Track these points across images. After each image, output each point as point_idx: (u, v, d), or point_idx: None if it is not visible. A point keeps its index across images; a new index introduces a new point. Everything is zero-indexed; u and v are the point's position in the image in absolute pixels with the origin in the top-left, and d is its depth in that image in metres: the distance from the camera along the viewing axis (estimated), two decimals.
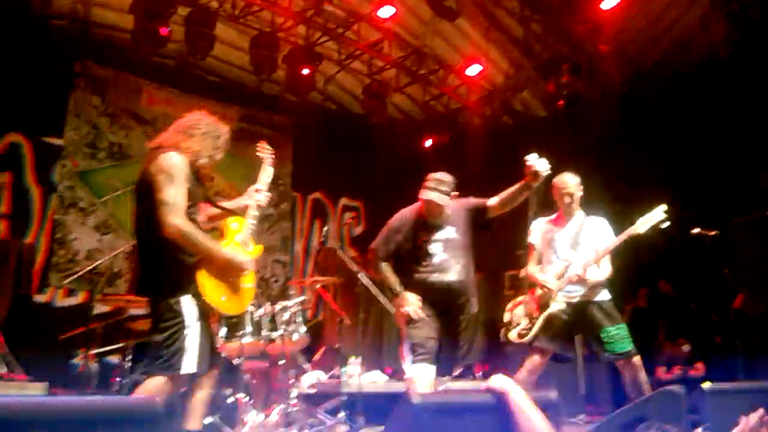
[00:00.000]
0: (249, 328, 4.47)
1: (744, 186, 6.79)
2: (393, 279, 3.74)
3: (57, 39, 7.73)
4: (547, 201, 3.60)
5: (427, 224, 3.74)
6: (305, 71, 8.04)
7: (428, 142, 9.63)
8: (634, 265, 4.02)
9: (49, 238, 7.39)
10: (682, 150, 7.62)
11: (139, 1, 7.05)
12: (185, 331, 2.73)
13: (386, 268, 3.78)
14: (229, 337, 4.48)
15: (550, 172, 3.41)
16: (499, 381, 2.28)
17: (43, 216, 7.43)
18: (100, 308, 6.20)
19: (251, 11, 7.85)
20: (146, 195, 2.81)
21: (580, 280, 3.93)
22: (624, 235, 3.90)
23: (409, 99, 9.80)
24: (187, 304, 2.78)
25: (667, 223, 3.85)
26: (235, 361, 4.38)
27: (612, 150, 8.04)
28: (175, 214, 2.72)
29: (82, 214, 7.68)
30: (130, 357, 4.49)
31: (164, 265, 2.81)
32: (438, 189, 3.63)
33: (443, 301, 3.69)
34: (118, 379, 4.58)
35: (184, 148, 2.91)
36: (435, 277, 3.67)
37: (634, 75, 8.41)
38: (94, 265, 4.83)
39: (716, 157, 7.26)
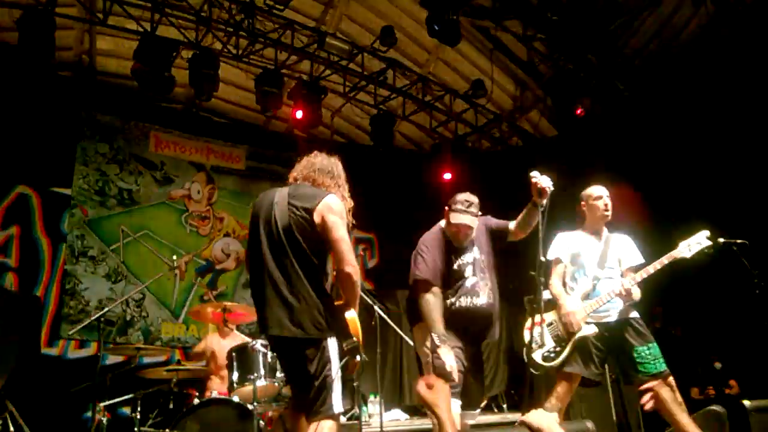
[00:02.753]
0: (262, 371, 4.29)
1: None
2: (439, 323, 3.45)
3: (63, 90, 7.80)
4: (552, 221, 3.45)
5: (454, 247, 3.63)
6: (299, 113, 7.98)
7: (447, 176, 9.35)
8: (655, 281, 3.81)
9: (59, 288, 7.31)
10: (698, 162, 7.43)
11: (143, 47, 7.08)
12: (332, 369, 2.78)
13: (436, 303, 3.51)
14: (242, 380, 4.30)
15: (553, 188, 3.33)
16: (537, 417, 2.11)
17: (52, 267, 7.37)
18: (113, 359, 6.09)
19: (254, 50, 7.87)
20: (308, 232, 2.87)
21: (627, 295, 3.71)
22: (667, 258, 3.76)
23: (417, 127, 9.74)
24: (333, 346, 2.83)
25: (712, 248, 3.71)
26: (249, 407, 4.19)
27: (627, 166, 7.85)
28: (353, 254, 2.89)
29: (93, 262, 7.61)
30: (139, 408, 4.32)
31: (323, 305, 2.85)
32: (468, 211, 3.57)
33: (474, 328, 3.56)
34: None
35: (339, 196, 3.07)
36: (466, 302, 3.55)
37: (642, 86, 8.28)
38: (101, 312, 4.69)
39: (730, 167, 7.08)
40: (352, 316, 2.98)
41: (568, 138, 8.92)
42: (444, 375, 3.34)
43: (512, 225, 3.63)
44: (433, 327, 3.44)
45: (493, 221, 3.73)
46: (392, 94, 8.80)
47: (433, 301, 3.49)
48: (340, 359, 2.83)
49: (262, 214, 3.01)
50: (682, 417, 3.54)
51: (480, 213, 3.64)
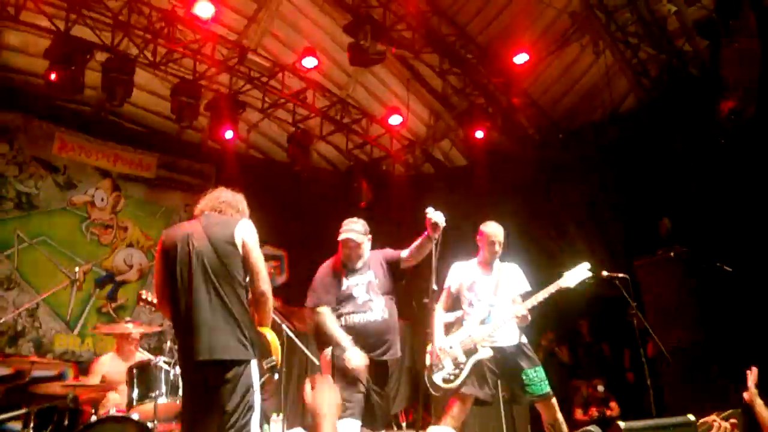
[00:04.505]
0: (164, 388, 4.24)
1: (647, 229, 7.24)
2: (341, 333, 3.74)
3: None
4: (444, 251, 3.77)
5: (348, 269, 3.92)
6: (229, 134, 8.03)
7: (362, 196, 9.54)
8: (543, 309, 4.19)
9: None
10: (594, 196, 8.09)
11: (55, 47, 6.83)
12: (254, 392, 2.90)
13: (333, 321, 3.79)
14: (142, 398, 4.23)
15: (444, 224, 3.63)
16: (437, 431, 2.29)
17: None
18: (0, 371, 5.77)
19: (172, 58, 7.77)
20: (231, 256, 3.01)
21: (522, 320, 4.06)
22: (553, 287, 4.10)
23: (334, 147, 9.90)
24: (255, 369, 2.94)
25: (591, 278, 4.11)
26: (149, 425, 4.13)
27: (530, 196, 8.41)
28: (266, 275, 3.08)
29: None
30: (32, 424, 4.15)
31: (247, 325, 2.97)
32: (351, 229, 3.90)
33: (369, 342, 3.75)
34: None
35: None
36: (359, 317, 3.80)
37: (545, 126, 8.91)
38: None
39: (622, 201, 7.76)
40: (272, 335, 3.14)
41: (475, 167, 9.41)
42: (344, 369, 3.58)
43: (404, 253, 3.93)
44: (337, 337, 3.71)
45: (389, 252, 4.04)
46: (311, 114, 8.94)
47: (327, 318, 3.80)
48: (260, 378, 2.94)
49: (178, 246, 3.06)
50: None
51: (368, 235, 3.96)
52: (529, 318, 4.10)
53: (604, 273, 4.89)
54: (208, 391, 2.88)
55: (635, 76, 8.07)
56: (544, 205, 8.44)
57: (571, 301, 4.27)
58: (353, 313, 3.80)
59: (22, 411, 4.29)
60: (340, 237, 3.90)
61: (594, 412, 6.64)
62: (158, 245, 3.23)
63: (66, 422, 4.24)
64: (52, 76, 6.70)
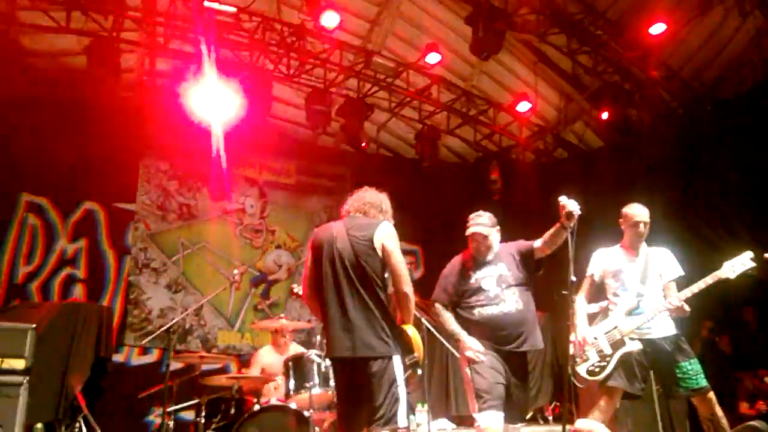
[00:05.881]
0: (317, 380, 4.51)
1: None
2: (454, 325, 3.81)
3: (126, 109, 8.26)
4: (585, 239, 3.62)
5: (477, 262, 3.89)
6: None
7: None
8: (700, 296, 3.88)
9: (123, 298, 7.77)
10: (751, 170, 7.34)
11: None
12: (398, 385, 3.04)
13: (446, 314, 3.87)
14: (298, 388, 4.55)
15: (580, 212, 3.51)
16: (585, 424, 2.26)
17: (118, 278, 7.83)
18: (173, 365, 6.43)
19: (304, 70, 8.19)
20: (371, 258, 3.15)
21: (677, 311, 3.84)
22: (711, 278, 3.83)
23: (461, 140, 9.89)
24: (398, 362, 3.08)
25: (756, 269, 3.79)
26: (306, 413, 4.43)
27: (670, 177, 7.82)
28: (408, 277, 3.19)
29: (155, 273, 8.06)
30: (203, 413, 4.61)
31: (388, 324, 3.12)
32: (477, 223, 3.86)
33: (505, 335, 3.71)
34: None
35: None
36: (491, 310, 3.75)
37: (690, 98, 8.24)
38: (170, 323, 5.03)
39: None
40: (413, 332, 3.25)
41: (614, 149, 8.92)
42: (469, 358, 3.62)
43: (537, 243, 3.83)
44: (453, 331, 3.79)
45: (521, 243, 3.96)
46: (437, 109, 9.00)
47: (441, 314, 3.87)
48: (404, 374, 3.08)
49: (324, 247, 3.26)
50: None
51: (496, 227, 3.90)
52: (687, 309, 3.85)
53: (766, 255, 4.48)
54: (356, 385, 3.05)
55: None
56: (695, 185, 7.79)
57: (733, 286, 3.91)
58: (486, 305, 3.77)
59: (194, 401, 4.76)
60: (468, 231, 3.88)
61: (762, 405, 6.07)
62: (309, 243, 3.45)
63: (232, 411, 4.65)
64: None
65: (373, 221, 3.29)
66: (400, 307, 3.22)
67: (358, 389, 3.05)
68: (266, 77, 7.80)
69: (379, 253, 3.16)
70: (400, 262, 3.17)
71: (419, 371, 3.18)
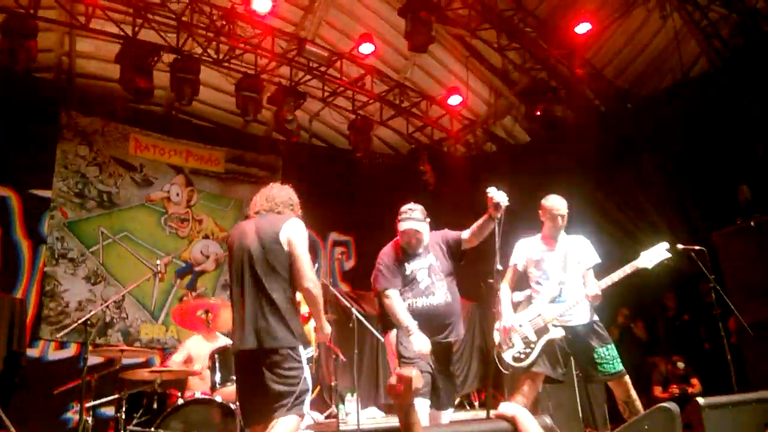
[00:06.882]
0: None
1: (725, 198, 6.90)
2: (406, 316, 3.77)
3: (42, 91, 7.83)
4: (511, 230, 3.74)
5: (408, 254, 3.94)
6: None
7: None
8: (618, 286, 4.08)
9: (39, 290, 7.35)
10: (667, 166, 7.75)
11: (125, 52, 7.16)
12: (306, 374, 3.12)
13: (401, 305, 3.82)
14: (224, 381, 4.46)
15: (507, 203, 3.61)
16: (508, 407, 2.32)
17: (32, 268, 7.40)
18: (92, 360, 6.17)
19: (235, 55, 7.99)
20: (277, 253, 3.19)
21: (594, 299, 3.98)
22: (629, 268, 3.99)
23: (394, 132, 9.93)
24: (303, 353, 3.16)
25: (671, 258, 3.98)
26: (232, 406, 4.34)
27: (593, 172, 8.16)
28: (313, 271, 3.23)
29: (72, 264, 7.65)
30: (124, 408, 4.44)
31: (293, 317, 3.18)
32: (411, 218, 3.89)
33: (433, 326, 3.78)
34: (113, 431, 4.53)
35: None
36: (422, 301, 3.83)
37: (612, 96, 8.60)
38: (87, 316, 4.80)
39: (698, 170, 7.40)
40: (308, 327, 3.39)
41: (539, 143, 9.21)
42: (410, 359, 3.64)
43: (465, 234, 3.92)
44: (404, 321, 3.75)
45: (449, 233, 4.04)
46: (370, 100, 8.99)
47: (395, 302, 3.83)
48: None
49: (235, 246, 3.35)
50: (630, 415, 3.82)
51: (427, 219, 3.95)
52: (601, 297, 4.02)
53: (680, 246, 4.73)
54: (258, 376, 3.08)
55: (706, 38, 7.66)
56: (616, 178, 8.15)
57: (654, 275, 4.11)
58: (417, 297, 3.84)
59: (114, 396, 4.57)
60: (401, 227, 3.91)
61: (675, 389, 6.43)
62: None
63: (155, 405, 4.50)
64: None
65: (281, 218, 3.35)
66: (306, 302, 3.31)
67: (259, 380, 3.08)
68: (194, 61, 7.55)
69: (285, 248, 3.22)
70: (302, 259, 3.21)
71: (342, 359, 3.24)
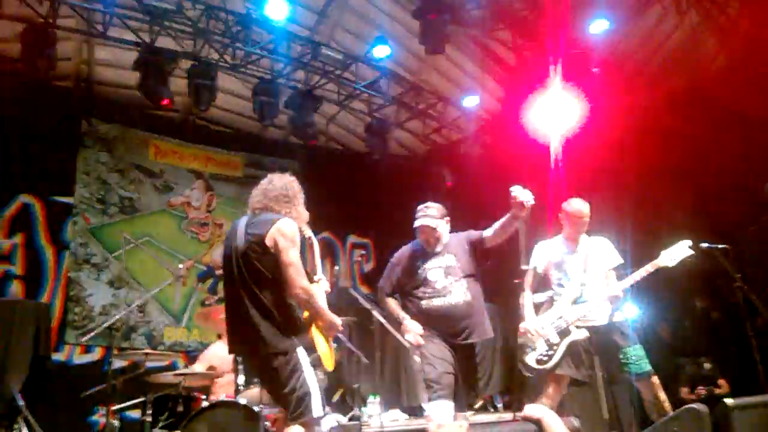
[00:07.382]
0: None
1: (748, 197, 6.80)
2: (397, 310, 3.88)
3: (62, 99, 7.95)
4: (533, 228, 3.73)
5: (426, 253, 3.90)
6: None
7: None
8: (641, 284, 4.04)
9: (63, 295, 7.46)
10: (689, 164, 7.65)
11: (143, 59, 7.24)
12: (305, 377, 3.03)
13: (391, 302, 3.93)
14: (248, 383, 4.48)
15: (533, 202, 3.56)
16: (533, 409, 2.32)
17: (57, 274, 7.52)
18: (117, 363, 6.24)
19: (251, 60, 8.04)
20: (263, 256, 3.08)
21: (616, 299, 3.95)
22: (650, 267, 3.96)
23: (411, 134, 9.93)
24: (302, 355, 3.07)
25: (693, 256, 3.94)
26: (256, 408, 4.36)
27: (620, 168, 8.08)
28: (302, 276, 3.08)
29: (96, 269, 7.77)
30: (150, 411, 4.49)
31: (285, 320, 3.10)
32: (426, 215, 3.87)
33: (453, 326, 3.75)
34: None
35: (294, 217, 3.25)
36: (438, 301, 3.78)
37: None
38: (111, 320, 4.87)
39: (721, 167, 7.31)
40: (316, 333, 3.29)
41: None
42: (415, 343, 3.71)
43: (487, 233, 3.86)
44: (394, 311, 3.88)
45: (471, 233, 3.98)
46: (386, 102, 9.00)
47: (384, 302, 3.95)
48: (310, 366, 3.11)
49: (228, 245, 3.30)
50: (658, 416, 3.79)
51: (445, 218, 3.92)
52: (621, 297, 3.98)
53: (703, 245, 4.67)
54: (263, 378, 3.13)
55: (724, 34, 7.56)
56: (635, 176, 8.07)
57: (676, 277, 4.06)
58: (432, 297, 3.79)
59: (140, 399, 4.62)
60: (415, 224, 3.90)
61: (702, 390, 6.34)
62: None
63: (180, 408, 4.54)
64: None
65: (271, 218, 3.21)
66: (302, 308, 3.23)
67: (267, 385, 3.12)
68: (211, 67, 7.61)
69: (272, 251, 3.11)
70: (289, 266, 3.08)
71: (365, 361, 3.24)
